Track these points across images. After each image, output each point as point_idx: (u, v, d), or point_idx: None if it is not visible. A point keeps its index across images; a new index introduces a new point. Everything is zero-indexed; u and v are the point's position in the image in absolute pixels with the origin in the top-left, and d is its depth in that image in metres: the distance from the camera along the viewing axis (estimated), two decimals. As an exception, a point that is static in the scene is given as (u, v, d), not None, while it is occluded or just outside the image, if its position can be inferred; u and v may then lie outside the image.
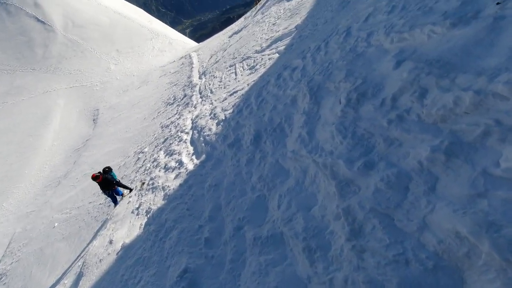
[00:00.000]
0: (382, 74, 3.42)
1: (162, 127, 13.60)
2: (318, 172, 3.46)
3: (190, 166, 7.33)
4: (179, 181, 7.09)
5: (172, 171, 8.04)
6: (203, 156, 7.27)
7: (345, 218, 2.67)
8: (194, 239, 4.57)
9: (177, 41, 29.74)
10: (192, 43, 31.81)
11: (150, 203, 7.45)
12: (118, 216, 8.58)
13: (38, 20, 30.49)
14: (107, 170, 9.05)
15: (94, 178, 8.84)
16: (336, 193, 2.92)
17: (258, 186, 4.45)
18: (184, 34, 38.85)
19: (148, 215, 6.90)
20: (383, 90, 3.22)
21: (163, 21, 37.78)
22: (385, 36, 3.88)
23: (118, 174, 13.31)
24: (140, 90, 23.34)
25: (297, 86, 5.35)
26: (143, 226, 6.64)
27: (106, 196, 9.28)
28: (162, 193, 7.29)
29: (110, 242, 7.17)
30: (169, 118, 13.80)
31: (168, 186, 7.29)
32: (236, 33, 17.62)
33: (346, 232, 2.58)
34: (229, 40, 17.62)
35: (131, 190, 9.30)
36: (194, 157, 7.77)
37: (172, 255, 4.59)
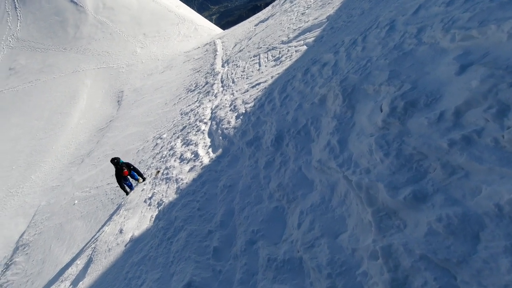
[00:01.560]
0: (439, 80, 2.73)
1: (181, 114, 13.23)
2: (349, 192, 2.86)
3: (206, 160, 6.87)
4: (193, 175, 6.66)
5: (187, 162, 7.62)
6: (220, 150, 6.78)
7: (384, 260, 2.08)
8: (202, 245, 4.12)
9: (202, 27, 29.13)
10: (217, 30, 31.11)
11: (162, 195, 7.09)
12: (131, 203, 8.33)
13: (72, 0, 30.67)
14: (116, 161, 8.75)
15: (125, 174, 8.59)
16: (373, 224, 2.33)
17: (276, 195, 3.90)
18: (211, 20, 38.14)
19: (159, 208, 6.54)
20: (441, 100, 2.54)
21: (190, 7, 37.15)
22: (443, 33, 3.15)
23: (136, 158, 13.19)
24: (163, 74, 23.09)
25: (327, 84, 4.68)
26: (153, 219, 6.29)
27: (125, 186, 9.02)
28: (175, 186, 6.90)
29: (121, 231, 6.90)
30: (189, 105, 13.39)
31: (182, 179, 6.88)
32: (262, 21, 16.80)
33: (386, 280, 2.00)
34: (254, 28, 16.84)
35: (144, 179, 9.00)
36: (210, 150, 7.30)
37: (178, 260, 4.17)
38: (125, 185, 8.80)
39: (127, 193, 9.00)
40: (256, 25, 17.52)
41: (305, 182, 3.66)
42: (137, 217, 7.13)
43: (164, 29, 28.78)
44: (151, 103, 19.75)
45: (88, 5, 29.79)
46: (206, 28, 29.01)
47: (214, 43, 21.63)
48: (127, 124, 19.57)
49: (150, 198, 7.52)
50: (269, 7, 19.93)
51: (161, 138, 12.30)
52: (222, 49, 19.29)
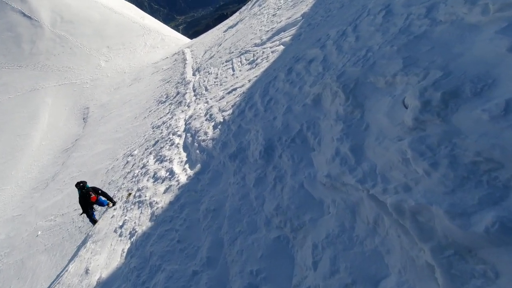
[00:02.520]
0: (484, 61, 2.06)
1: (153, 127, 12.08)
2: (381, 217, 2.09)
3: (183, 178, 5.91)
4: (169, 197, 5.67)
5: (162, 182, 6.60)
6: (198, 166, 5.85)
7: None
8: (186, 293, 3.19)
9: (170, 38, 27.88)
10: (185, 40, 29.99)
11: (135, 223, 6.01)
12: (99, 234, 7.13)
13: (25, 15, 28.21)
14: (82, 185, 7.55)
15: (93, 200, 7.35)
16: (438, 269, 1.56)
17: (275, 221, 3.07)
18: (177, 31, 36.97)
19: (132, 240, 5.47)
20: (498, 85, 1.86)
21: (155, 18, 35.75)
22: (467, 6, 2.51)
23: (106, 179, 11.83)
24: (131, 87, 21.65)
25: (319, 81, 3.95)
26: (124, 254, 5.22)
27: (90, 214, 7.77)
28: (149, 211, 5.85)
29: (86, 271, 5.72)
30: (160, 118, 12.28)
31: (157, 203, 5.86)
32: (231, 27, 16.08)
33: None
34: (224, 34, 16.07)
35: (114, 203, 7.82)
36: (187, 166, 6.34)
37: (156, 314, 3.22)
38: (91, 214, 7.58)
39: (94, 222, 7.76)
40: (225, 31, 16.75)
41: (311, 203, 2.86)
42: (106, 251, 5.98)
43: (129, 41, 27.24)
44: (120, 118, 18.29)
45: (43, 19, 27.54)
46: (174, 38, 27.82)
47: (183, 52, 20.58)
48: (94, 142, 17.96)
49: (121, 227, 6.39)
50: (237, 13, 19.29)
51: (132, 155, 11.09)
52: (192, 57, 18.32)
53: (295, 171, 3.30)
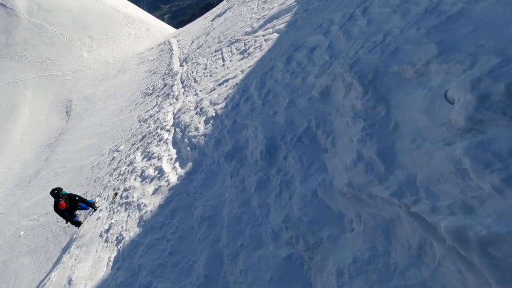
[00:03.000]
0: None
1: (139, 121, 11.33)
2: (428, 241, 1.63)
3: (173, 178, 5.34)
4: (158, 199, 5.11)
5: (150, 181, 6.00)
6: (189, 164, 5.29)
7: None
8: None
9: (155, 27, 26.55)
10: (171, 29, 28.65)
11: (122, 227, 5.43)
12: (84, 238, 6.50)
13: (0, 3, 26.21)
14: (57, 192, 6.85)
15: (62, 208, 6.61)
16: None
17: (285, 236, 2.59)
18: (163, 20, 35.42)
19: (119, 247, 4.91)
20: None
21: (139, 7, 34.01)
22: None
23: (91, 176, 11.09)
24: (116, 79, 20.53)
25: (327, 71, 3.43)
26: (111, 263, 4.66)
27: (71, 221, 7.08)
28: (137, 215, 5.28)
29: (69, 282, 5.14)
30: (147, 111, 11.52)
31: (145, 205, 5.28)
32: (219, 15, 15.22)
33: None
34: (211, 23, 15.22)
35: (95, 209, 7.19)
36: (177, 164, 5.76)
37: None
38: (72, 218, 6.91)
39: (78, 225, 7.12)
40: (212, 20, 15.87)
41: (328, 216, 2.38)
42: (91, 259, 5.39)
43: (113, 30, 25.77)
44: (105, 111, 17.31)
45: (19, 7, 25.62)
46: (159, 28, 26.51)
47: (169, 42, 19.56)
48: (78, 136, 16.98)
49: (107, 231, 5.80)
50: (224, 1, 18.35)
51: (118, 151, 10.37)
52: (178, 47, 17.39)
53: (305, 176, 2.81)
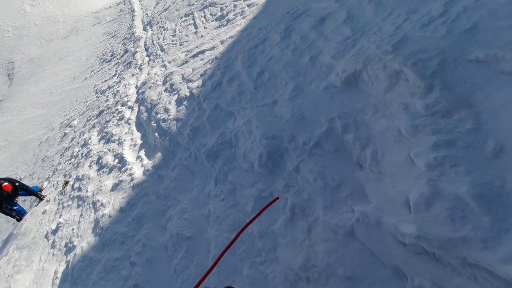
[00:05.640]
0: None
1: (96, 92, 9.49)
2: None
3: (137, 171, 4.19)
4: (119, 198, 3.96)
5: (109, 172, 4.76)
6: (158, 155, 4.14)
7: None
8: None
9: (113, -17, 22.71)
10: (132, -12, 24.84)
11: (72, 230, 4.24)
12: (26, 235, 5.17)
13: None
14: None
15: (7, 190, 5.08)
16: None
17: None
18: (122, -24, 30.68)
19: (68, 258, 3.77)
20: None
21: (94, -43, 28.84)
22: None
23: (39, 154, 9.27)
24: (68, 40, 17.44)
25: (350, 50, 2.46)
26: (57, 281, 3.56)
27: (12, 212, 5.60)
28: (92, 216, 4.11)
29: (5, 299, 3.97)
30: (105, 81, 9.66)
31: (102, 205, 4.11)
32: (188, -26, 13.01)
33: None
34: (179, -17, 13.01)
35: (42, 199, 5.79)
36: (142, 153, 4.56)
37: None
38: (11, 211, 5.47)
39: (18, 219, 5.71)
40: (180, -21, 13.58)
41: (378, 271, 1.55)
42: (33, 269, 4.19)
43: (62, -18, 21.54)
44: (55, 77, 14.68)
45: None
46: (118, -16, 22.72)
47: (130, 1, 16.76)
48: (23, 105, 14.34)
49: (54, 233, 4.56)
50: (193, -41, 15.81)
51: (71, 126, 8.65)
52: (141, 8, 14.90)
53: (330, 201, 1.92)
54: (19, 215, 5.57)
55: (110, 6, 18.18)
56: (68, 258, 3.78)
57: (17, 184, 5.34)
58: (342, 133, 2.10)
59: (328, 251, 1.75)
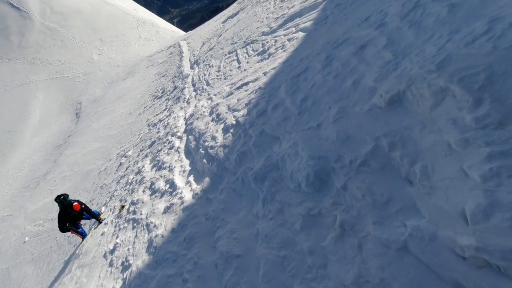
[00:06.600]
0: None
1: (148, 125, 10.55)
2: None
3: (187, 195, 4.52)
4: (171, 220, 4.28)
5: (161, 196, 5.19)
6: (206, 180, 4.45)
7: None
8: None
9: (164, 30, 25.86)
10: (180, 32, 27.99)
11: (128, 250, 4.62)
12: (86, 255, 5.70)
13: (13, 6, 25.72)
14: (63, 198, 6.09)
15: (77, 209, 5.89)
16: None
17: (361, 310, 1.75)
18: (172, 24, 34.87)
19: (124, 276, 4.09)
20: None
21: (149, 10, 33.44)
22: None
23: (98, 182, 10.33)
24: (125, 81, 19.86)
25: (392, 73, 2.57)
26: (115, 298, 3.86)
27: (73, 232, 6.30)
28: (146, 237, 4.46)
29: (68, 314, 4.36)
30: (156, 115, 10.74)
31: (155, 226, 4.46)
32: (231, 17, 14.42)
33: None
34: (223, 25, 14.42)
35: (100, 222, 6.40)
36: (191, 178, 4.93)
37: None
38: (75, 231, 6.12)
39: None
40: (224, 22, 15.08)
41: (436, 286, 1.53)
42: (93, 285, 4.58)
43: (123, 33, 25.15)
44: (114, 114, 16.62)
45: (33, 10, 25.13)
46: (169, 31, 25.83)
47: (179, 45, 18.82)
48: (87, 139, 16.30)
49: (111, 252, 4.99)
50: (235, 3, 17.57)
51: (126, 156, 9.60)
52: (189, 50, 16.63)
53: (381, 217, 1.95)
54: (83, 236, 6.19)
55: (162, 50, 20.55)
56: (125, 275, 4.09)
57: (83, 206, 6.03)
58: (388, 151, 2.17)
59: (381, 266, 1.76)
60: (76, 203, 5.82)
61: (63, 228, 5.83)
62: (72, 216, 5.86)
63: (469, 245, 1.43)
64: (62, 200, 5.98)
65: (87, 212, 6.03)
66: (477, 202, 1.48)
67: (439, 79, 2.03)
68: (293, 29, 6.50)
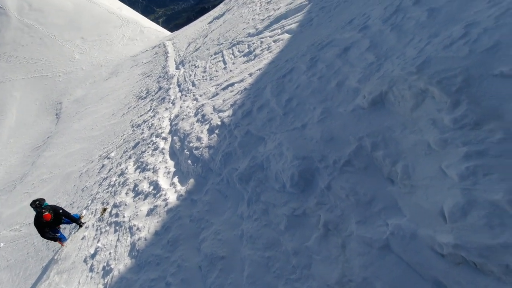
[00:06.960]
0: None
1: (132, 126, 10.32)
2: None
3: (172, 197, 4.43)
4: (154, 223, 4.19)
5: (145, 198, 5.07)
6: (191, 181, 4.39)
7: None
8: None
9: (149, 30, 25.40)
10: (165, 32, 27.59)
11: (110, 254, 4.47)
12: (66, 260, 5.49)
13: (-12, 1, 24.61)
14: (39, 203, 5.84)
15: (47, 219, 5.53)
16: None
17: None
18: (157, 23, 34.36)
19: (106, 281, 3.96)
20: None
21: (134, 9, 32.80)
22: None
23: (79, 184, 10.00)
24: (109, 81, 19.37)
25: (375, 74, 2.62)
26: (95, 304, 3.73)
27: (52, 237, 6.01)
28: (129, 240, 4.34)
29: (45, 323, 4.17)
30: (141, 116, 10.52)
31: (138, 229, 4.35)
32: (217, 18, 14.36)
33: None
34: (209, 26, 14.34)
35: (81, 225, 6.20)
36: (176, 180, 4.84)
37: None
38: (53, 236, 5.88)
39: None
40: (210, 22, 14.99)
41: (417, 284, 1.56)
42: (72, 292, 4.42)
43: (106, 32, 24.52)
44: (96, 115, 16.15)
45: (9, 6, 24.08)
46: (153, 30, 25.40)
47: (164, 44, 18.56)
48: (68, 140, 15.75)
49: (92, 257, 4.82)
50: (221, 4, 17.51)
51: (109, 158, 9.34)
52: (174, 50, 16.43)
53: (364, 216, 1.97)
54: (61, 240, 5.96)
55: (147, 50, 20.19)
56: (106, 280, 3.96)
57: (61, 211, 5.79)
58: (371, 151, 2.20)
59: (364, 265, 1.78)
60: (46, 213, 5.48)
61: (44, 235, 5.58)
62: (46, 223, 5.59)
63: (447, 243, 1.46)
64: (38, 206, 5.73)
65: (66, 217, 5.81)
66: (455, 201, 1.52)
67: (419, 81, 2.08)
68: (279, 30, 6.54)
